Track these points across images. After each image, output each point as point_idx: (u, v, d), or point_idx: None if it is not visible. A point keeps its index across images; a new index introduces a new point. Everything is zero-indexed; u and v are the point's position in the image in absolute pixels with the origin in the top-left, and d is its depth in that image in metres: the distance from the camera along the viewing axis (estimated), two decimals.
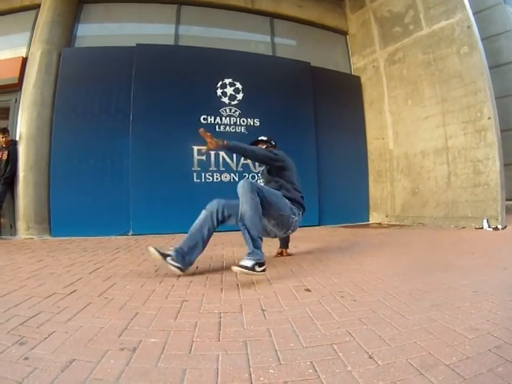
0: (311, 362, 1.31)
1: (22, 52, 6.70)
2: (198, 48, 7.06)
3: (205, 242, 2.94)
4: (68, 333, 1.62)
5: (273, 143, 3.72)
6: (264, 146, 3.56)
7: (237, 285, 2.55)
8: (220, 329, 1.67)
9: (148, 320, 1.80)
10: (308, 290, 2.38)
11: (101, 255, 3.94)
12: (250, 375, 1.23)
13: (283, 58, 7.87)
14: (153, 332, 1.64)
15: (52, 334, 1.61)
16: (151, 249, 2.77)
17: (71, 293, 2.32)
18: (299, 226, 3.28)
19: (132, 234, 6.04)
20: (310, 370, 1.25)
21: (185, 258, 2.81)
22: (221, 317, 1.85)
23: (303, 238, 4.88)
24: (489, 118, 6.06)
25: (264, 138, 3.71)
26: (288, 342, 1.52)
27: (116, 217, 6.12)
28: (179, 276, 2.78)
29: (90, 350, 1.43)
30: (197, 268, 3.09)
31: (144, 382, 1.18)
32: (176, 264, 2.75)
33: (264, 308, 2.00)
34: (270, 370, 1.26)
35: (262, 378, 1.21)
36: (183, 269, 2.79)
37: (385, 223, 7.58)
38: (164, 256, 2.75)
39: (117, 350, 1.43)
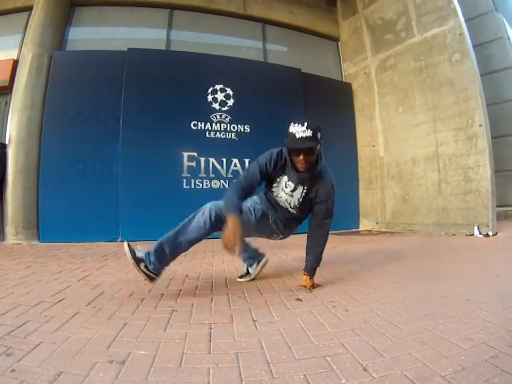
0: (304, 375, 1.28)
1: (13, 54, 6.63)
2: (189, 53, 7.04)
3: (183, 250, 2.52)
4: (56, 343, 1.57)
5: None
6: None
7: (227, 294, 2.51)
8: (210, 341, 1.64)
9: (137, 331, 1.76)
10: (299, 299, 2.35)
11: (89, 262, 3.88)
12: None
13: (274, 64, 7.86)
14: (142, 344, 1.60)
15: (39, 344, 1.56)
16: (125, 246, 2.41)
17: (59, 301, 2.27)
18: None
19: (121, 241, 5.95)
20: None
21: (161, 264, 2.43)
22: (211, 328, 1.82)
23: (292, 246, 4.83)
24: (480, 125, 6.08)
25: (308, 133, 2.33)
26: (280, 354, 1.49)
27: (105, 223, 6.04)
28: (167, 286, 2.74)
29: (78, 362, 1.39)
30: (187, 276, 3.06)
31: None
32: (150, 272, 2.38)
33: (255, 319, 1.96)
34: None
35: None
36: (155, 278, 2.42)
37: (376, 230, 7.57)
38: (137, 260, 2.36)
39: (106, 363, 1.38)
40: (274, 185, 2.57)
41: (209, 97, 6.82)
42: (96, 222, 5.99)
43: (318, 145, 2.38)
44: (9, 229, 5.82)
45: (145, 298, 2.39)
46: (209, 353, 1.50)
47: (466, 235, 5.98)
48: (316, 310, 2.12)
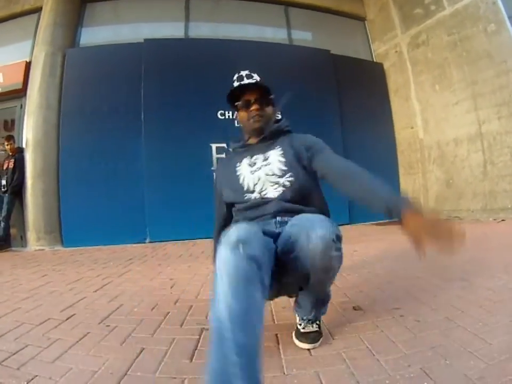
0: None
1: (26, 57, 6.47)
2: (210, 40, 6.73)
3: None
4: (52, 378, 1.24)
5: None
6: None
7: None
8: None
9: (157, 360, 1.39)
10: (358, 308, 1.92)
11: (111, 268, 3.57)
12: None
13: (301, 47, 7.49)
14: (160, 380, 1.22)
15: (32, 380, 1.24)
16: None
17: (68, 318, 1.94)
18: None
19: (149, 242, 5.69)
20: None
21: None
22: None
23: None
24: None
25: None
26: None
27: (131, 224, 5.77)
28: (197, 295, 2.37)
29: None
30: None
31: None
32: None
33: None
34: None
35: None
36: None
37: None
38: None
39: None
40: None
41: (235, 84, 6.40)
42: (122, 224, 5.73)
43: (271, 95, 1.81)
44: (31, 235, 5.64)
45: (169, 312, 2.01)
46: None
47: None
48: (381, 322, 1.69)
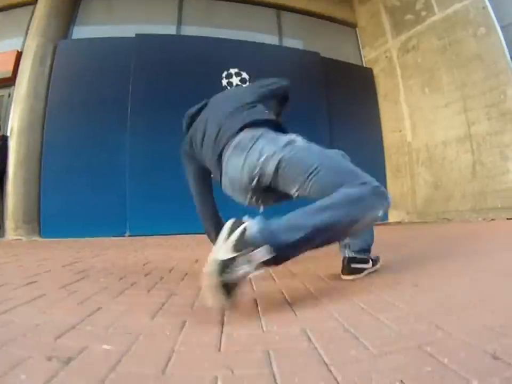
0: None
1: (18, 47, 6.44)
2: (201, 37, 6.73)
3: None
4: None
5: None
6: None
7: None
8: (220, 343, 1.04)
9: (113, 317, 1.26)
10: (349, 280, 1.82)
11: (86, 251, 3.43)
12: None
13: (292, 48, 7.57)
14: (112, 335, 1.08)
15: None
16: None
17: (28, 284, 1.81)
18: None
19: (129, 235, 5.58)
20: None
21: None
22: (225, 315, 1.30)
23: None
24: None
25: None
26: (341, 350, 0.93)
27: (111, 217, 5.68)
28: (171, 270, 2.26)
29: (1, 354, 0.93)
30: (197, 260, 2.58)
31: None
32: None
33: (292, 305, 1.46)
34: None
35: None
36: None
37: (406, 220, 7.00)
38: None
39: (40, 360, 0.88)
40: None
41: (224, 82, 6.42)
42: (102, 216, 5.62)
43: None
44: (9, 224, 5.53)
45: (136, 282, 1.89)
46: (219, 350, 0.97)
47: (507, 219, 5.40)
48: (375, 288, 1.56)
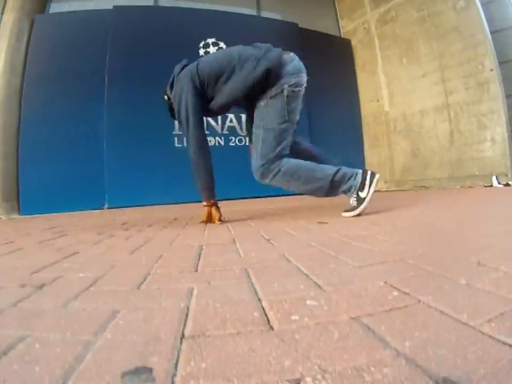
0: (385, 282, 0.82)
1: None
2: (178, 8, 6.61)
3: None
4: None
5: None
6: None
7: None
8: (197, 266, 1.07)
9: (90, 256, 1.29)
10: (323, 222, 1.85)
11: (63, 220, 3.43)
12: None
13: (270, 19, 7.46)
14: (88, 268, 1.09)
15: None
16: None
17: (5, 243, 1.79)
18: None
19: (108, 208, 5.53)
20: None
21: None
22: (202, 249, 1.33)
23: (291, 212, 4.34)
24: (491, 70, 5.64)
25: None
26: (323, 264, 1.01)
27: (90, 189, 5.58)
28: (150, 225, 2.26)
29: None
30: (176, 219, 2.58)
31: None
32: None
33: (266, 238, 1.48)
34: None
35: None
36: None
37: (384, 189, 7.06)
38: None
39: (13, 287, 0.90)
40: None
41: (201, 51, 6.31)
42: (81, 189, 5.53)
43: None
44: None
45: (116, 234, 1.90)
46: (196, 271, 1.01)
47: (485, 186, 5.49)
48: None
